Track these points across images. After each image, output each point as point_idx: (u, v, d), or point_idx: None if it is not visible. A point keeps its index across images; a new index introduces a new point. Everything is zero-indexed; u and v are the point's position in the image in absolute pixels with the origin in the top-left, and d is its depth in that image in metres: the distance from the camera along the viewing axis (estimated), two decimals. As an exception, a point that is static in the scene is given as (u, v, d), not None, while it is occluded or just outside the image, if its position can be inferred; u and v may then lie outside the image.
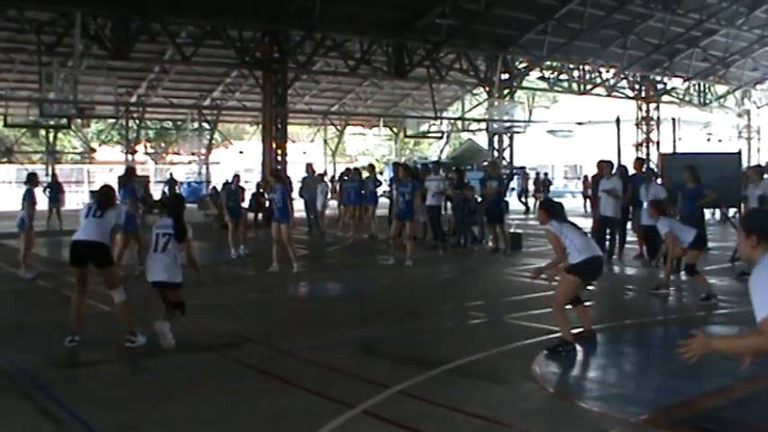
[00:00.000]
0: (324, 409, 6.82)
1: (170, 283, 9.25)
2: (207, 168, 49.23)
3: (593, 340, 9.47)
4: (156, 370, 8.38)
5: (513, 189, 39.32)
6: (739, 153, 21.12)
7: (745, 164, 30.45)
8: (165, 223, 9.42)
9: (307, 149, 55.79)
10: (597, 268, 9.50)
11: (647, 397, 7.37)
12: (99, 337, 9.54)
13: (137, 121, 46.69)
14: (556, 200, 10.41)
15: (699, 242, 12.99)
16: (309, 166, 27.39)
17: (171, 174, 41.76)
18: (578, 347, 9.11)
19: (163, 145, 60.45)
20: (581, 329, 9.44)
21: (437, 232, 21.56)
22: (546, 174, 43.61)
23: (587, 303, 10.67)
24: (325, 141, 55.60)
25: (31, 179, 16.57)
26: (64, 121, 32.89)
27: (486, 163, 38.83)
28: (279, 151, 30.99)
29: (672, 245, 12.76)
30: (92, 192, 9.40)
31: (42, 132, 46.37)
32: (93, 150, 55.19)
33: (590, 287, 12.14)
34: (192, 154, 51.65)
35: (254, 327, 10.52)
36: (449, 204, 22.51)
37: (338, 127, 54.25)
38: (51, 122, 34.51)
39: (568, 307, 9.33)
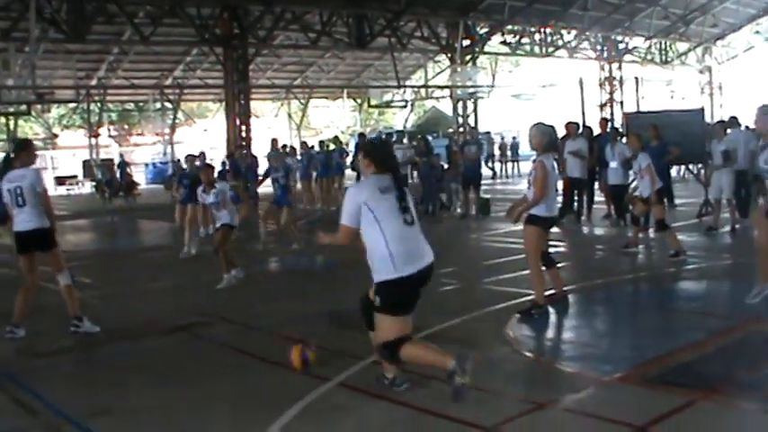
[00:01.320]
0: (300, 383, 6.82)
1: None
2: (172, 148, 48.84)
3: (565, 303, 9.50)
4: (130, 352, 8.34)
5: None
6: (702, 110, 21.24)
7: (708, 120, 30.68)
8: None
9: (271, 125, 55.52)
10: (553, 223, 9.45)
11: (619, 355, 7.44)
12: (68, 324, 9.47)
13: (98, 105, 46.10)
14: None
15: (660, 194, 13.09)
16: (274, 142, 27.23)
17: (121, 155, 40.99)
18: (550, 309, 9.16)
19: (126, 127, 59.91)
20: (553, 292, 9.46)
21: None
22: (514, 137, 43.67)
23: (559, 265, 10.74)
24: (290, 115, 55.35)
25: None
26: (24, 107, 32.51)
27: (451, 130, 38.87)
28: (243, 127, 30.83)
29: (651, 177, 12.76)
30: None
31: (2, 120, 45.80)
32: (56, 136, 54.64)
33: (560, 248, 12.24)
34: (156, 134, 51.24)
35: (226, 304, 10.50)
36: (415, 173, 22.55)
37: (302, 100, 53.96)
38: (11, 109, 34.05)
39: (543, 268, 9.32)
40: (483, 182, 21.38)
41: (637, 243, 13.48)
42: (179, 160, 29.66)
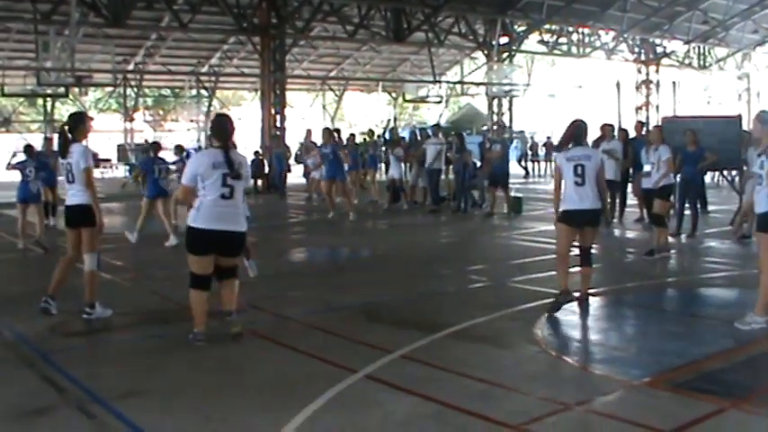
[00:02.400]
0: (326, 373, 6.84)
1: None
2: (206, 135, 49.01)
3: (584, 306, 9.42)
4: (160, 337, 8.38)
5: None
6: (740, 117, 21.02)
7: (745, 127, 30.30)
8: None
9: (305, 115, 55.64)
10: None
11: (648, 359, 7.38)
12: (102, 305, 9.53)
13: (134, 89, 46.44)
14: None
15: (666, 192, 13.11)
16: (309, 132, 27.31)
17: (146, 141, 40.47)
18: (578, 310, 9.13)
19: (161, 112, 60.25)
20: (577, 293, 9.43)
21: (436, 196, 21.59)
22: (548, 137, 43.49)
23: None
24: (324, 107, 55.40)
25: (28, 151, 16.52)
26: (61, 90, 32.79)
27: (485, 127, 38.76)
28: (278, 117, 30.93)
29: (666, 171, 12.85)
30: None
31: (40, 101, 46.18)
32: (92, 119, 54.83)
33: (592, 250, 12.19)
34: (191, 121, 51.45)
35: (258, 292, 10.50)
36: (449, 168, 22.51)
37: (337, 92, 54.00)
38: (49, 91, 34.33)
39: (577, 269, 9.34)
40: (515, 180, 21.32)
41: (667, 248, 13.36)
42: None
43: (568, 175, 9.23)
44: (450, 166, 22.16)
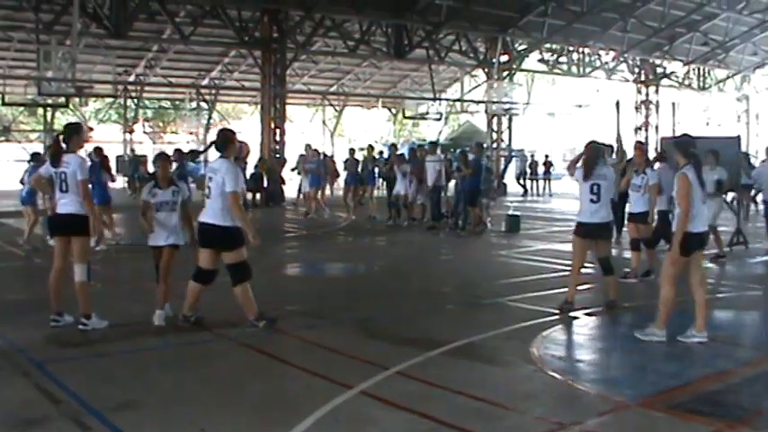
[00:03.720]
0: (322, 389, 6.84)
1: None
2: (205, 148, 49.11)
3: (611, 310, 10.31)
4: (156, 349, 8.38)
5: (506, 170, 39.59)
6: (738, 138, 21.05)
7: (744, 148, 30.24)
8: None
9: (305, 130, 55.70)
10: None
11: (643, 380, 7.39)
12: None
13: (135, 101, 46.49)
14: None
15: (646, 218, 13.14)
16: (308, 147, 27.33)
17: (132, 150, 39.77)
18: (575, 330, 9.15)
19: (161, 124, 60.27)
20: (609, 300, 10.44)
21: (436, 214, 21.58)
22: (546, 156, 43.50)
23: (586, 286, 10.77)
24: (324, 122, 55.48)
25: (36, 158, 16.63)
26: (62, 99, 32.80)
27: (485, 145, 38.80)
28: (277, 131, 30.98)
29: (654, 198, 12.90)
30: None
31: (40, 111, 46.18)
32: (91, 129, 54.97)
33: (589, 269, 12.20)
34: (191, 133, 51.48)
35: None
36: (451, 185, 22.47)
37: (337, 107, 54.08)
38: (49, 101, 34.31)
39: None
40: (513, 198, 21.35)
41: (635, 271, 13.25)
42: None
43: (585, 193, 10.16)
44: (452, 183, 22.07)
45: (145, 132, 56.37)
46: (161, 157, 10.10)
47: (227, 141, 9.16)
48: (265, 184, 29.49)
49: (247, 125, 54.33)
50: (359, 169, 25.90)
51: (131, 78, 41.37)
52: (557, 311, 10.00)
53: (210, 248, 9.05)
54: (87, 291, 9.15)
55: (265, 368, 7.68)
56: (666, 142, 17.49)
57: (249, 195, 28.97)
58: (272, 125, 30.93)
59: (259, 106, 35.24)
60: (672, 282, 8.60)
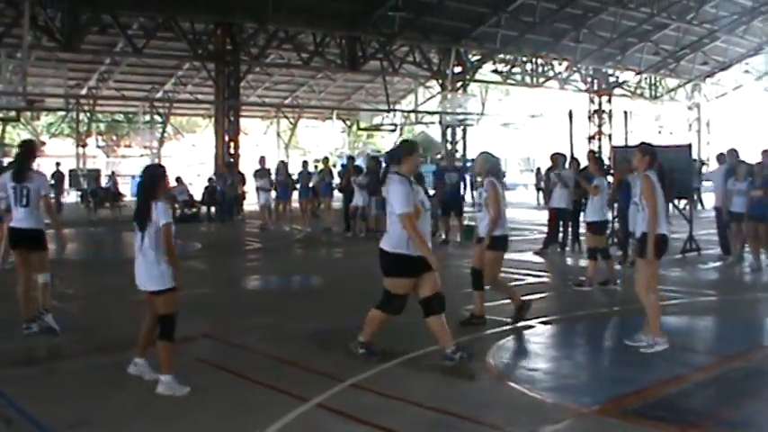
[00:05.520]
0: (278, 402, 6.82)
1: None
2: (159, 162, 48.76)
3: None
4: (110, 366, 8.30)
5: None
6: (690, 146, 21.32)
7: (695, 156, 30.58)
8: None
9: (259, 142, 55.55)
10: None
11: (599, 387, 7.46)
12: (53, 332, 9.43)
13: (87, 114, 45.93)
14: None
15: (602, 227, 13.33)
16: (262, 159, 27.24)
17: (57, 164, 39.04)
18: (530, 339, 9.20)
19: (114, 138, 59.74)
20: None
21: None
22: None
23: (541, 295, 10.85)
24: (279, 134, 55.35)
25: None
26: (13, 113, 32.39)
27: (439, 156, 38.92)
28: (232, 144, 30.86)
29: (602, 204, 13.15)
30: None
31: (-10, 125, 45.61)
32: (43, 143, 54.39)
33: (544, 278, 12.27)
34: (144, 147, 51.04)
35: (209, 320, 10.45)
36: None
37: (291, 120, 53.98)
38: (0, 115, 33.94)
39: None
40: (467, 209, 21.44)
41: (614, 279, 13.38)
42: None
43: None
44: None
45: (98, 146, 55.80)
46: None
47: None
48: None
49: (201, 138, 54.09)
50: (310, 183, 25.83)
51: (84, 91, 41.01)
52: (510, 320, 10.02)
53: None
54: (48, 290, 9.53)
55: (221, 382, 7.63)
56: (634, 148, 17.68)
57: (204, 209, 28.90)
58: (226, 138, 30.81)
59: (213, 119, 35.12)
60: (654, 287, 8.79)
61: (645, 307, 8.78)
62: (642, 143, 9.50)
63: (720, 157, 18.25)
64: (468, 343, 8.59)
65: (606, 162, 20.08)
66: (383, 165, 21.55)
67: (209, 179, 30.26)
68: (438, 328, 8.04)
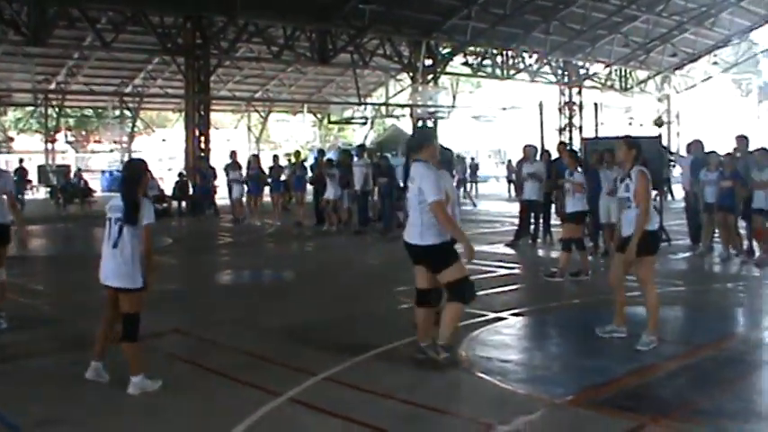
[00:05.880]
0: (251, 397, 6.80)
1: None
2: (129, 157, 48.50)
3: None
4: (80, 363, 8.22)
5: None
6: (659, 137, 21.47)
7: (667, 146, 30.75)
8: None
9: (230, 136, 55.37)
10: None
11: (570, 378, 7.49)
12: (22, 329, 9.37)
13: (56, 109, 45.67)
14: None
15: (581, 218, 13.43)
16: (233, 154, 27.14)
17: (21, 160, 38.68)
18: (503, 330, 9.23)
19: (84, 133, 59.39)
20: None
21: (363, 218, 21.64)
22: (473, 158, 43.85)
23: (514, 287, 10.89)
24: (249, 128, 55.21)
25: None
26: (-21, 109, 32.18)
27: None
28: (202, 138, 30.72)
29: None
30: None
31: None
32: (11, 139, 53.98)
33: (516, 270, 12.31)
34: (114, 142, 50.76)
35: (180, 316, 10.40)
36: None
37: (262, 113, 53.85)
38: (-33, 111, 33.66)
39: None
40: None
41: (587, 270, 13.47)
42: None
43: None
44: (377, 188, 22.10)
45: (67, 142, 55.44)
46: None
47: None
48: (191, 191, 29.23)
49: (172, 133, 53.83)
50: (282, 177, 25.74)
51: (52, 86, 40.70)
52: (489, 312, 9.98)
53: None
54: (5, 288, 9.67)
55: (194, 378, 7.60)
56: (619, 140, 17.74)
57: (175, 204, 28.75)
58: (197, 132, 30.67)
59: (183, 113, 34.96)
60: (651, 282, 8.68)
61: (615, 300, 8.89)
62: (626, 136, 9.23)
63: (689, 148, 18.36)
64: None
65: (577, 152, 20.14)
66: (354, 158, 21.79)
67: (180, 174, 30.12)
68: (421, 319, 7.97)
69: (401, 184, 21.48)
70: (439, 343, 7.71)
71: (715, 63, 49.90)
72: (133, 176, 7.28)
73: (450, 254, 7.69)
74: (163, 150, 52.42)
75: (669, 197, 29.22)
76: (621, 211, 8.77)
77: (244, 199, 25.89)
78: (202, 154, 30.22)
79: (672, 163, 26.12)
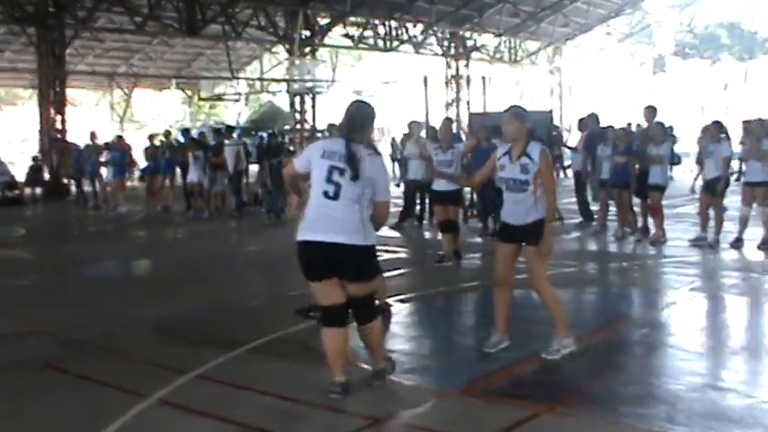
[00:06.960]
0: (116, 400, 6.65)
1: None
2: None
3: None
4: None
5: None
6: (551, 111, 21.89)
7: (558, 122, 31.38)
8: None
9: (91, 115, 54.26)
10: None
11: (461, 367, 7.55)
12: None
13: None
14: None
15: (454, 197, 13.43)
16: (93, 134, 26.57)
17: None
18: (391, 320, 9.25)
19: None
20: None
21: (239, 202, 21.47)
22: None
23: (400, 271, 10.94)
24: (112, 106, 54.16)
25: None
26: None
27: (287, 126, 38.84)
28: (58, 117, 29.98)
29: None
30: None
31: None
32: None
33: (402, 254, 12.37)
34: (-42, 122, 49.28)
35: (38, 314, 10.09)
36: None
37: (125, 90, 52.90)
38: None
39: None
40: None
41: (449, 254, 13.39)
42: None
43: None
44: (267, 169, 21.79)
45: None
46: None
47: None
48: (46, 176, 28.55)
49: (25, 111, 52.44)
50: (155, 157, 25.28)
51: None
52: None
53: None
54: None
55: (52, 384, 7.38)
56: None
57: (28, 190, 28.04)
58: (52, 111, 29.91)
59: (36, 90, 34.08)
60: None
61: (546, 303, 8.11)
62: (514, 106, 8.12)
63: (581, 123, 18.71)
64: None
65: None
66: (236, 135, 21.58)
67: (34, 157, 29.37)
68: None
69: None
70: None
71: (608, 34, 51.02)
72: None
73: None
74: (13, 131, 51.02)
75: (562, 174, 29.86)
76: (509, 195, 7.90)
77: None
78: (59, 135, 29.52)
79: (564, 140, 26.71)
